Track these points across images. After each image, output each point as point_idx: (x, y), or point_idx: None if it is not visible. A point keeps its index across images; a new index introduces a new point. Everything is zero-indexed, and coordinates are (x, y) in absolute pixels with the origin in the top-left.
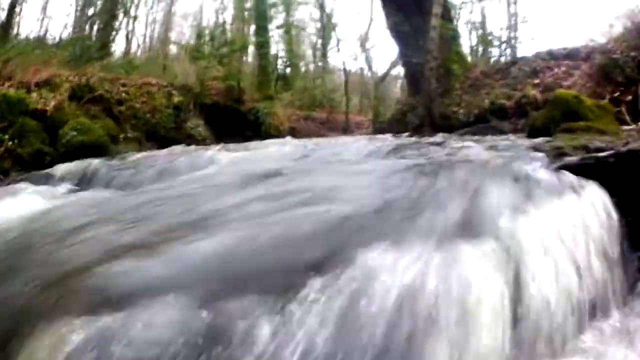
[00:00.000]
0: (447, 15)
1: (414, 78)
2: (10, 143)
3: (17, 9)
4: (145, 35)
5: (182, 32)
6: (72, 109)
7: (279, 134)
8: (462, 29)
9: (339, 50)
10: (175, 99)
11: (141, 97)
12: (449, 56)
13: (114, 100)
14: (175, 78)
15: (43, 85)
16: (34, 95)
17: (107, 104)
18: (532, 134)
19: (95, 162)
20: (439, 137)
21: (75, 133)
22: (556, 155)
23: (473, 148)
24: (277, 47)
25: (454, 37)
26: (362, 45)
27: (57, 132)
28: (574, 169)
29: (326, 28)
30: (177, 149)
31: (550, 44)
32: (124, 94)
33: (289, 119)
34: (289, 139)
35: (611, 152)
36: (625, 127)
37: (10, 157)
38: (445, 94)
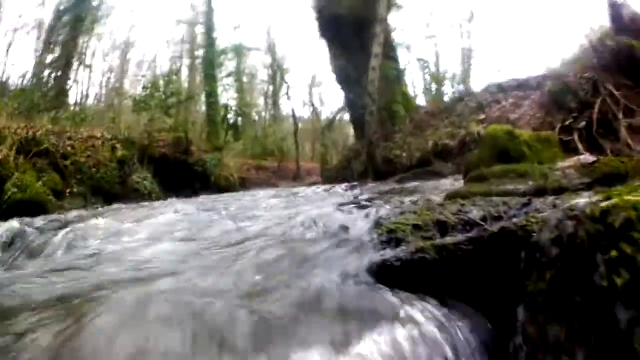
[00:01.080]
0: (391, 55)
1: (358, 123)
2: None
3: None
4: (100, 84)
5: (137, 81)
6: (19, 162)
7: (228, 185)
8: (414, 66)
9: (289, 97)
10: (119, 153)
11: (86, 150)
12: (392, 97)
13: (59, 154)
14: (123, 130)
15: None
16: None
17: (53, 158)
18: (467, 174)
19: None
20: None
21: (15, 190)
22: (385, 242)
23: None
24: (227, 95)
25: (398, 76)
26: (310, 90)
27: (2, 187)
28: (398, 273)
29: (277, 74)
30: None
31: (504, 77)
32: (69, 148)
33: (240, 168)
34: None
35: (469, 236)
36: (562, 164)
37: None
38: (389, 137)
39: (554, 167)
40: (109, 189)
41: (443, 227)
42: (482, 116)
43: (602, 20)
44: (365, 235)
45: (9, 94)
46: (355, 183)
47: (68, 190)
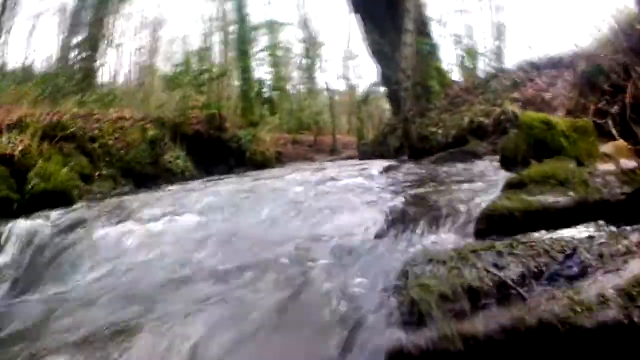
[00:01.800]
0: (423, 30)
1: (393, 98)
2: None
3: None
4: (131, 64)
5: (169, 59)
6: (44, 149)
7: (264, 160)
8: (447, 42)
9: (323, 71)
10: (150, 133)
11: (115, 132)
12: (427, 73)
13: (86, 138)
14: (154, 109)
15: (14, 127)
16: (3, 138)
17: (81, 142)
18: (504, 163)
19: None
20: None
21: (38, 180)
22: (404, 315)
23: None
24: (261, 70)
25: (432, 52)
26: (345, 64)
27: (26, 176)
28: None
29: (311, 48)
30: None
31: (536, 53)
32: (97, 131)
33: (276, 143)
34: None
35: (502, 325)
36: (602, 168)
37: None
38: (424, 114)
39: (594, 172)
40: (140, 170)
41: (475, 295)
42: (517, 94)
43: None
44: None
45: (33, 80)
46: (391, 163)
47: (97, 174)
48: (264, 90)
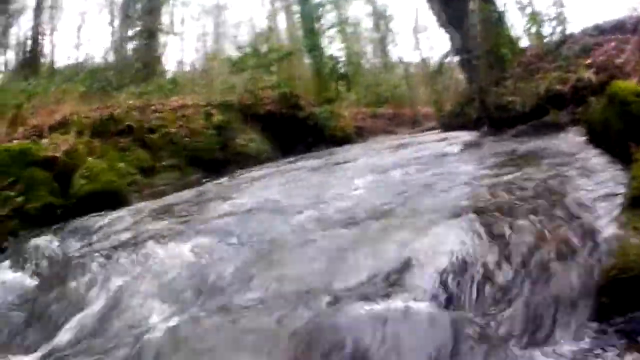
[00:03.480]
0: None
1: (466, 67)
2: (18, 199)
3: (47, 38)
4: (193, 50)
5: (233, 43)
6: (95, 147)
7: (344, 137)
8: (511, 8)
9: (396, 43)
10: (216, 118)
11: (177, 121)
12: (497, 40)
13: (144, 129)
14: (219, 94)
15: (58, 127)
16: (44, 141)
17: (138, 134)
18: (593, 139)
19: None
20: None
21: (83, 181)
22: None
23: None
24: (333, 46)
25: (500, 19)
26: (416, 35)
27: (71, 179)
28: None
29: (380, 22)
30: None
31: (597, 18)
32: (156, 121)
33: (355, 118)
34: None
35: None
36: None
37: (18, 215)
38: (499, 83)
39: None
40: (209, 157)
41: None
42: (588, 60)
43: None
44: None
45: (83, 76)
46: (472, 139)
47: (160, 165)
48: (339, 66)
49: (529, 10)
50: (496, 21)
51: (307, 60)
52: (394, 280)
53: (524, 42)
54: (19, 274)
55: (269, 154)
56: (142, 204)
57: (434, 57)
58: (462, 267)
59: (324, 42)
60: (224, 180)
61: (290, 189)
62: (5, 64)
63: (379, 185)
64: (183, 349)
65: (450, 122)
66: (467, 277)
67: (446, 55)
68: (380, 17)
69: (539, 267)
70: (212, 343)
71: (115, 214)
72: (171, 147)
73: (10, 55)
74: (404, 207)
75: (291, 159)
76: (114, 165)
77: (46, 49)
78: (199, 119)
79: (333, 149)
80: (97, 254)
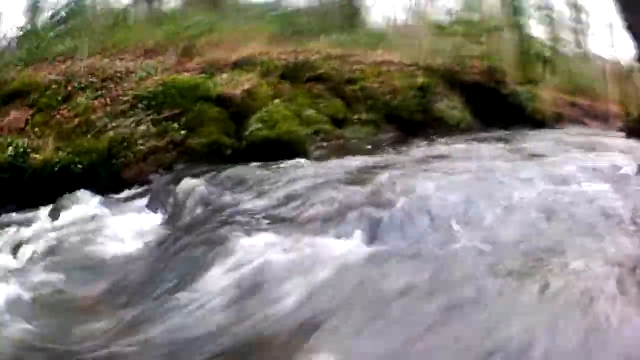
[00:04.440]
0: None
1: None
2: (180, 133)
3: None
4: (403, 9)
5: (442, 7)
6: (284, 90)
7: (543, 120)
8: None
9: (592, 37)
10: (420, 80)
11: (378, 76)
12: None
13: (342, 80)
14: (424, 56)
15: (240, 65)
16: (224, 77)
17: (334, 84)
18: None
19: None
20: None
21: (259, 125)
22: None
23: None
24: (537, 29)
25: None
26: (611, 32)
27: (247, 120)
28: None
29: (580, 14)
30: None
31: None
32: (356, 73)
33: (554, 103)
34: None
35: None
36: None
37: (177, 149)
38: None
39: None
40: (408, 118)
41: None
42: None
43: None
44: None
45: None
46: None
47: (355, 118)
48: (545, 49)
49: None
50: None
51: (508, 38)
52: None
53: None
54: (157, 215)
55: (468, 125)
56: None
57: (627, 57)
58: None
59: (531, 23)
60: (422, 145)
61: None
62: None
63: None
64: None
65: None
66: None
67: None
68: (579, 10)
69: None
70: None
71: (289, 165)
72: (368, 101)
73: None
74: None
75: (487, 135)
76: (301, 112)
77: None
78: (401, 77)
79: (530, 131)
80: (255, 208)
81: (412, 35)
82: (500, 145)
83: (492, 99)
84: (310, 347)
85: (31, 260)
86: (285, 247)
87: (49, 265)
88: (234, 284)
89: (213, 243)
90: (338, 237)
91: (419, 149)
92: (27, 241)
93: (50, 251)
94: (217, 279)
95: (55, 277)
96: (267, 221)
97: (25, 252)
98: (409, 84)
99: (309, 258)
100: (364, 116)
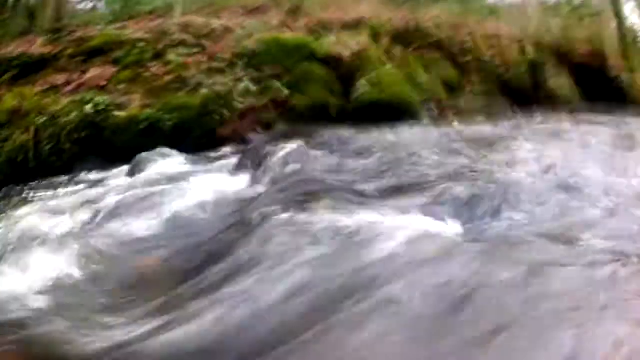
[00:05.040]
0: None
1: None
2: (282, 92)
3: None
4: None
5: None
6: (396, 54)
7: None
8: None
9: None
10: (530, 56)
11: (490, 49)
12: None
13: (455, 49)
14: (534, 32)
15: (350, 27)
16: (332, 38)
17: (448, 51)
18: None
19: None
20: None
21: (368, 88)
22: None
23: None
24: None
25: None
26: None
27: (355, 82)
28: None
29: None
30: None
31: None
32: (469, 43)
33: None
34: None
35: None
36: None
37: (278, 108)
38: None
39: None
40: (520, 92)
41: None
42: None
43: None
44: None
45: None
46: None
47: (467, 88)
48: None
49: None
50: None
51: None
52: None
53: None
54: (247, 177)
55: (576, 105)
56: (433, 128)
57: None
58: None
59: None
60: (536, 121)
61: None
62: None
63: None
64: None
65: None
66: None
67: None
68: None
69: None
70: None
71: (399, 130)
72: (481, 72)
73: None
74: None
75: (596, 117)
76: (413, 77)
77: None
78: (512, 51)
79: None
80: (355, 177)
81: (521, 11)
82: (614, 129)
83: (598, 82)
84: None
85: (98, 220)
86: (385, 226)
87: (115, 227)
88: (319, 259)
89: (303, 212)
90: (443, 217)
91: (533, 124)
92: (99, 200)
93: (121, 211)
94: (301, 252)
95: (119, 241)
96: (367, 191)
97: (94, 212)
98: (520, 58)
99: (411, 243)
100: (477, 87)
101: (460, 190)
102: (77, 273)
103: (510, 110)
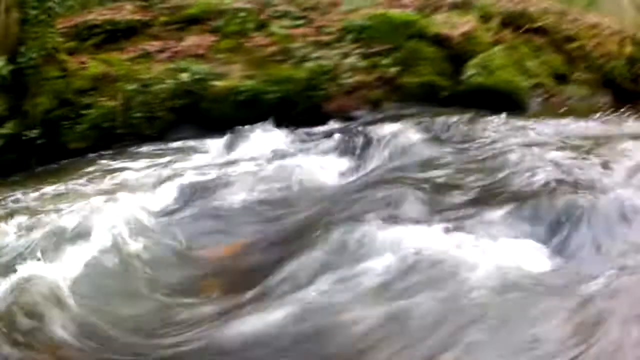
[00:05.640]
0: None
1: None
2: (391, 69)
3: None
4: None
5: None
6: (505, 37)
7: None
8: None
9: None
10: (628, 49)
11: (592, 38)
12: None
13: (561, 35)
14: (631, 26)
15: (458, 6)
16: (440, 17)
17: (553, 38)
18: None
19: None
20: None
21: (475, 71)
22: None
23: None
24: None
25: None
26: None
27: (464, 64)
28: None
29: None
30: None
31: None
32: (573, 31)
33: None
34: None
35: None
36: None
37: (386, 86)
38: None
39: None
40: (621, 85)
41: None
42: None
43: None
44: None
45: None
46: None
47: (573, 77)
48: None
49: None
50: None
51: None
52: None
53: None
54: (349, 158)
55: None
56: (540, 117)
57: None
58: None
59: None
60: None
61: None
62: None
63: None
64: None
65: None
66: None
67: None
68: None
69: None
70: None
71: (504, 118)
72: (584, 62)
73: None
74: None
75: None
76: (522, 62)
77: None
78: (612, 43)
79: None
80: (454, 172)
81: (618, 3)
82: None
83: None
84: None
85: (187, 196)
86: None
87: (206, 205)
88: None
89: (386, 220)
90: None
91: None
92: (192, 173)
93: (214, 185)
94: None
95: (207, 222)
96: (457, 200)
97: (183, 186)
98: (618, 51)
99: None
100: (582, 76)
101: (560, 206)
102: (159, 251)
103: (613, 104)
